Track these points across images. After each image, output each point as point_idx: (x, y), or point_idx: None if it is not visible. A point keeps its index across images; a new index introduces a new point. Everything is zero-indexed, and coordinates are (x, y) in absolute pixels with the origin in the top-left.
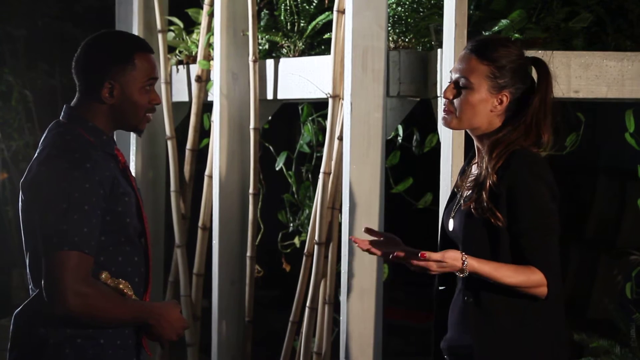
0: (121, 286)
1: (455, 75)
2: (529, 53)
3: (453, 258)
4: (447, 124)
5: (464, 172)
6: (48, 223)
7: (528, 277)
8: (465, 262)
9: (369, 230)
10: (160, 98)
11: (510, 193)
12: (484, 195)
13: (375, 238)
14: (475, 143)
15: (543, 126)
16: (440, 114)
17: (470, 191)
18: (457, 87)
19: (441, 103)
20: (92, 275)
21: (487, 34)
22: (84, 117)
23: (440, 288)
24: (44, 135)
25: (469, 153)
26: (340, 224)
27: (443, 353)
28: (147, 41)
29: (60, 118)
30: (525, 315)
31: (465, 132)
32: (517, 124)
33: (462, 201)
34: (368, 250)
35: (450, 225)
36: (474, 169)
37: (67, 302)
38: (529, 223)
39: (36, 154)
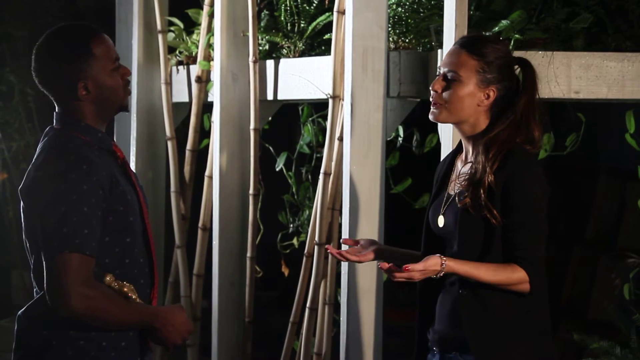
0: (125, 289)
1: (444, 69)
2: (530, 53)
3: (434, 264)
4: (436, 117)
5: (448, 168)
6: (48, 226)
7: (509, 276)
8: (444, 264)
9: (345, 241)
10: (129, 76)
11: (505, 190)
12: (482, 194)
13: (351, 245)
14: (463, 142)
15: (532, 124)
16: (430, 109)
17: (465, 189)
18: (445, 81)
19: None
20: (96, 278)
21: (487, 34)
22: (76, 118)
23: (425, 284)
24: (41, 140)
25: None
26: (340, 225)
27: (431, 345)
28: (148, 42)
29: (54, 124)
30: (518, 307)
31: None
32: (506, 122)
33: (457, 199)
34: (341, 257)
35: (440, 221)
36: (462, 167)
37: (70, 305)
38: (520, 219)
39: (33, 160)
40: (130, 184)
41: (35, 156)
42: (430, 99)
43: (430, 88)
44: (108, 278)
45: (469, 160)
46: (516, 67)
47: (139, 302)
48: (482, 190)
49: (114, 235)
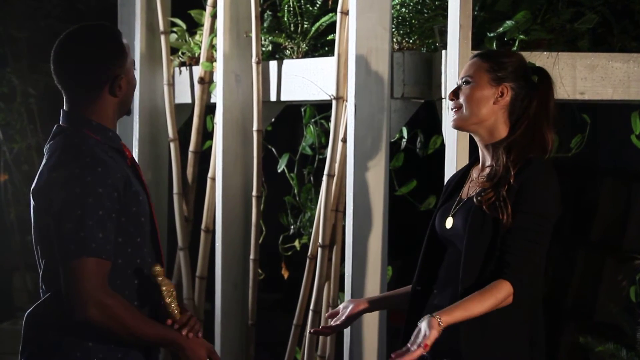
0: (164, 287)
1: (459, 81)
2: (534, 54)
3: (430, 326)
4: (455, 122)
5: (462, 177)
6: (64, 231)
7: (495, 297)
8: (440, 322)
9: (329, 315)
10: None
11: (518, 194)
12: (501, 189)
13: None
14: (482, 151)
15: (546, 132)
16: (450, 117)
17: (485, 187)
18: (460, 88)
19: (445, 106)
20: (127, 275)
21: (491, 35)
22: (88, 117)
23: (417, 288)
24: (50, 140)
25: (472, 157)
26: (343, 227)
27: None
28: (150, 43)
29: (61, 123)
30: (512, 317)
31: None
32: (521, 126)
33: (475, 198)
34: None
35: (449, 223)
36: (479, 174)
37: (88, 311)
38: (522, 223)
39: (45, 160)
40: (140, 184)
41: (47, 156)
42: (450, 110)
43: (447, 97)
44: (157, 268)
45: (487, 166)
46: (534, 76)
47: (158, 323)
48: (502, 188)
49: (126, 236)
